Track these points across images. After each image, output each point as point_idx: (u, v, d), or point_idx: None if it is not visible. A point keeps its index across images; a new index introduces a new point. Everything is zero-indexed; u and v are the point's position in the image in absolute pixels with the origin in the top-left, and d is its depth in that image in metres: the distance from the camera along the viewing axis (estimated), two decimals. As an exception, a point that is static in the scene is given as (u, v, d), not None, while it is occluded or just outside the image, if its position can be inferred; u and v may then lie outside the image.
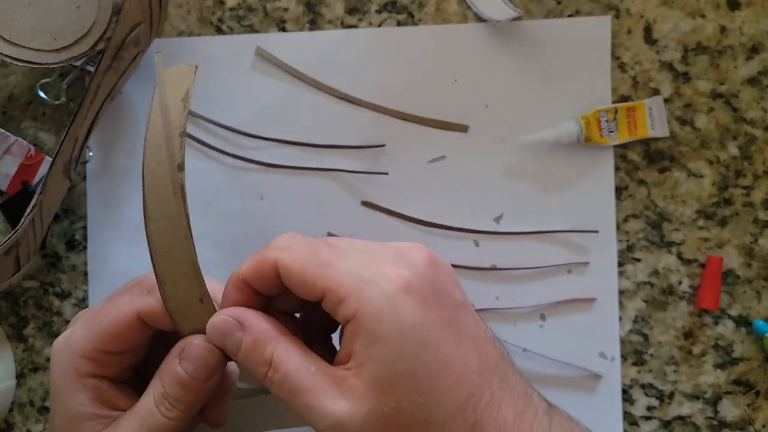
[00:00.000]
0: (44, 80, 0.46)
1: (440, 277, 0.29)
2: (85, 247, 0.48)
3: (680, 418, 0.45)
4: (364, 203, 0.46)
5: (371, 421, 0.26)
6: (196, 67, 0.32)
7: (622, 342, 0.45)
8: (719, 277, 0.44)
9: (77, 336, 0.32)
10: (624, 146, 0.45)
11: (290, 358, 0.28)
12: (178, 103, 0.31)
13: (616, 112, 0.44)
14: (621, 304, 0.45)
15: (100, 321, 0.32)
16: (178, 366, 0.30)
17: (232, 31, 0.47)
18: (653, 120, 0.44)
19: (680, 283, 0.45)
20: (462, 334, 0.28)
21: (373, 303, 0.27)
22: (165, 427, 0.30)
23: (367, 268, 0.28)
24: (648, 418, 0.45)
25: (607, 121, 0.44)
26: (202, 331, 0.30)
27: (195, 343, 0.30)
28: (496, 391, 0.28)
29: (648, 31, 0.45)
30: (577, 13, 0.45)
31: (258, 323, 0.29)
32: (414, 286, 0.27)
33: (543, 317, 0.45)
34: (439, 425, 0.27)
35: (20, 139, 0.47)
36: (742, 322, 0.45)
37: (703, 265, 0.45)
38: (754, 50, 0.44)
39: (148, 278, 0.32)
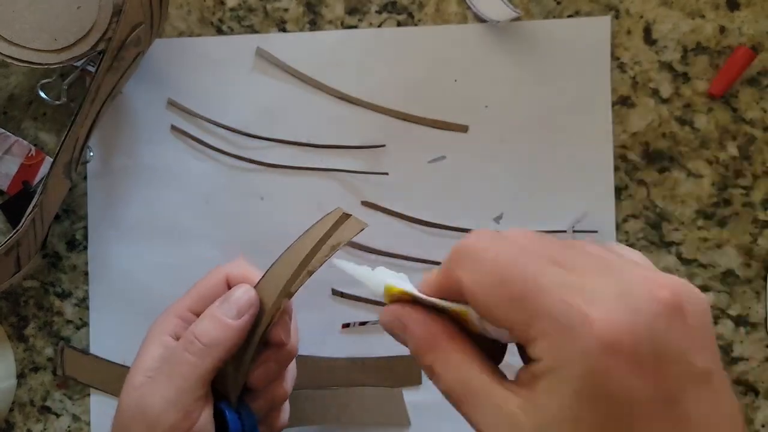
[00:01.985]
0: (45, 80, 0.46)
1: (676, 333, 0.20)
2: (85, 247, 0.48)
3: (680, 417, 0.45)
4: (364, 203, 0.46)
5: None
6: (363, 229, 0.37)
7: (622, 342, 0.45)
8: (738, 69, 0.43)
9: (178, 301, 0.38)
10: (624, 146, 0.45)
11: (454, 367, 0.24)
12: (327, 248, 0.36)
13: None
14: (621, 304, 0.45)
15: (196, 286, 0.39)
16: (215, 307, 0.36)
17: (232, 31, 0.47)
18: None
19: (680, 283, 0.45)
20: (680, 420, 0.20)
21: (567, 360, 0.20)
22: (188, 366, 0.34)
23: (572, 302, 0.20)
24: (647, 418, 0.45)
25: None
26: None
27: (235, 287, 0.37)
28: None
29: (647, 31, 0.45)
30: (577, 13, 0.45)
31: (419, 329, 0.25)
32: (626, 343, 0.20)
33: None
34: None
35: (21, 140, 0.47)
36: (742, 322, 0.45)
37: (702, 265, 0.45)
38: (753, 50, 0.44)
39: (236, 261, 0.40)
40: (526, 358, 0.22)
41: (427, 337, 0.25)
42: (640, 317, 0.20)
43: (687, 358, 0.20)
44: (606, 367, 0.20)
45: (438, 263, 0.46)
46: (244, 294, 0.36)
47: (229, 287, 0.37)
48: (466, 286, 0.23)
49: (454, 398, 0.23)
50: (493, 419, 0.22)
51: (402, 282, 0.27)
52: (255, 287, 0.37)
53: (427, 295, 0.25)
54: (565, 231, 0.45)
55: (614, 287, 0.21)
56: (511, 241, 0.23)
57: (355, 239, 0.47)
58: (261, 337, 0.36)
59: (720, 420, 0.20)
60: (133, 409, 0.34)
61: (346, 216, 0.36)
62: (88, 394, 0.48)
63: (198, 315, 0.37)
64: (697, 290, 0.21)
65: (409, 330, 0.25)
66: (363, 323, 0.46)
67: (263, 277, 0.37)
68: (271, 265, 0.37)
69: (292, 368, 0.41)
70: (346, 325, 0.46)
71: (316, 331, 0.46)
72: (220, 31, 0.47)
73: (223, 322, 0.35)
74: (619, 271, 0.21)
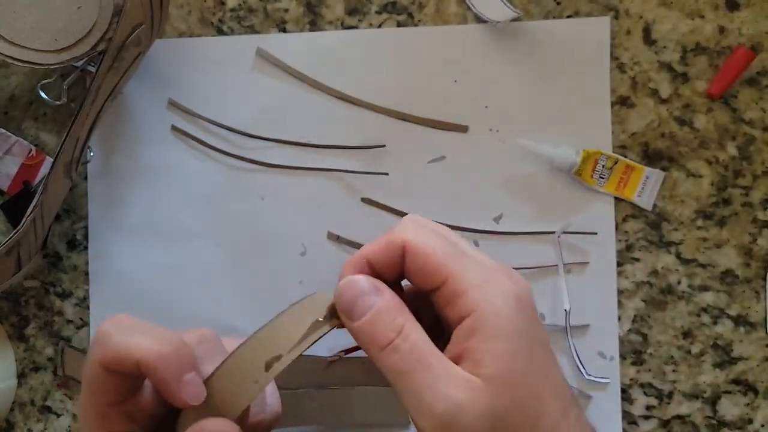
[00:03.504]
0: (45, 81, 0.46)
1: (535, 305, 0.30)
2: (86, 247, 0.48)
3: (679, 417, 0.45)
4: (364, 200, 0.46)
5: (485, 415, 0.26)
6: (332, 328, 0.29)
7: (621, 341, 0.45)
8: (738, 69, 0.43)
9: (81, 401, 0.28)
10: (623, 146, 0.45)
11: (419, 331, 0.28)
12: (304, 343, 0.28)
13: (616, 162, 0.44)
14: (620, 304, 0.45)
15: (83, 384, 0.28)
16: None
17: (232, 31, 0.47)
18: (644, 189, 0.45)
19: (679, 282, 0.45)
20: (553, 358, 0.29)
21: (495, 302, 0.27)
22: None
23: (487, 271, 0.28)
24: (647, 418, 0.45)
25: (603, 167, 0.44)
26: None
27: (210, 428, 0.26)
28: (575, 422, 0.28)
29: (647, 31, 0.45)
30: (577, 13, 0.45)
31: (391, 292, 0.29)
32: (524, 300, 0.28)
33: (543, 317, 0.45)
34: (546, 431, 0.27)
35: (21, 140, 0.47)
36: (741, 321, 0.45)
37: (702, 265, 0.45)
38: (752, 51, 0.44)
39: (104, 324, 0.28)
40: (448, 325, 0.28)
41: (400, 300, 0.28)
42: (525, 288, 0.29)
43: (540, 322, 0.30)
44: (519, 309, 0.28)
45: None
46: None
47: (114, 371, 0.27)
48: (411, 243, 0.28)
49: (419, 359, 0.27)
50: (443, 385, 0.26)
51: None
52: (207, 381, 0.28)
53: (368, 256, 0.29)
54: (564, 232, 0.45)
55: (500, 267, 0.29)
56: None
57: (355, 239, 0.47)
58: None
59: (558, 366, 0.30)
60: None
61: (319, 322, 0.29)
62: (89, 394, 0.48)
63: (108, 406, 0.28)
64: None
65: (384, 290, 0.29)
66: None
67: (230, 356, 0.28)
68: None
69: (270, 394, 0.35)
70: (342, 325, 0.46)
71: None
72: (220, 32, 0.47)
73: None
74: (496, 262, 0.30)
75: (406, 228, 0.29)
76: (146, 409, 0.28)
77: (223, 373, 0.28)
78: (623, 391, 0.45)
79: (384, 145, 0.46)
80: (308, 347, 0.28)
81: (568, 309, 0.44)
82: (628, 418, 0.45)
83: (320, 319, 0.29)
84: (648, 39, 0.45)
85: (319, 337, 0.28)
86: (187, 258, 0.47)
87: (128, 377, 0.27)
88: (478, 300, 0.27)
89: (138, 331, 0.27)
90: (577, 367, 0.44)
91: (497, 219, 0.46)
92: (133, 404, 0.28)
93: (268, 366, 0.27)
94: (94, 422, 0.28)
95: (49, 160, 0.48)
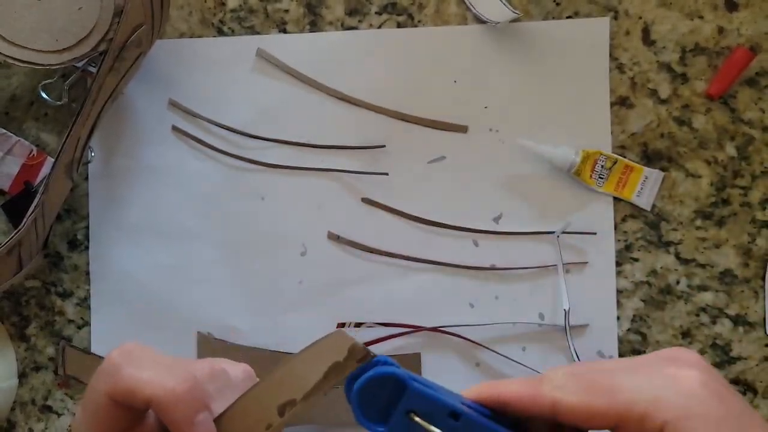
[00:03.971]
0: (46, 81, 0.47)
1: (716, 371, 0.28)
2: (87, 247, 0.48)
3: (678, 416, 0.45)
4: (364, 200, 0.47)
5: None
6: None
7: (621, 341, 0.45)
8: (737, 69, 0.44)
9: (81, 425, 0.27)
10: (623, 146, 0.45)
11: None
12: (321, 388, 0.26)
13: (615, 162, 0.44)
14: (619, 304, 0.45)
15: (86, 410, 0.27)
16: None
17: (233, 32, 0.47)
18: (643, 189, 0.45)
19: (678, 282, 0.45)
20: (758, 420, 0.27)
21: (679, 405, 0.25)
22: None
23: (651, 377, 0.26)
24: (646, 417, 0.45)
25: (602, 167, 0.44)
26: None
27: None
28: None
29: (646, 32, 0.45)
30: (576, 14, 0.46)
31: None
32: (708, 380, 0.26)
33: (542, 317, 0.46)
34: None
35: (22, 140, 0.47)
36: (740, 321, 0.45)
37: (701, 265, 0.45)
38: (751, 51, 0.45)
39: (113, 353, 0.27)
40: None
41: None
42: (700, 365, 0.27)
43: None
44: (707, 398, 0.25)
45: (438, 263, 0.46)
46: None
47: (121, 403, 0.26)
48: (563, 403, 0.26)
49: None
50: None
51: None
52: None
53: (504, 400, 0.27)
54: (564, 232, 0.45)
55: (660, 359, 0.27)
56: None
57: (355, 238, 0.47)
58: None
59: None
60: None
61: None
62: (90, 394, 0.48)
63: None
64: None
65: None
66: (358, 324, 0.46)
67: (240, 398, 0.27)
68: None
69: None
70: (341, 325, 0.46)
71: (311, 330, 0.46)
72: (221, 32, 0.47)
73: None
74: (651, 355, 0.28)
75: (551, 386, 0.27)
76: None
77: (235, 414, 0.26)
78: (622, 390, 0.45)
79: (384, 145, 0.46)
80: (327, 391, 0.26)
81: (567, 309, 0.44)
82: (628, 418, 0.45)
83: (340, 360, 0.26)
84: (647, 39, 0.45)
85: (339, 380, 0.26)
86: (188, 258, 0.47)
87: (135, 410, 0.26)
88: (663, 414, 0.25)
89: (149, 364, 0.26)
90: (577, 366, 0.44)
91: (497, 219, 0.46)
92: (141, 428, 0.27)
93: (281, 410, 0.25)
94: None
95: (50, 160, 0.48)
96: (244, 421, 0.26)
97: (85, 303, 0.48)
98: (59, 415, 0.49)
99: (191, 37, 0.48)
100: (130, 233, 0.48)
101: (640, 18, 0.45)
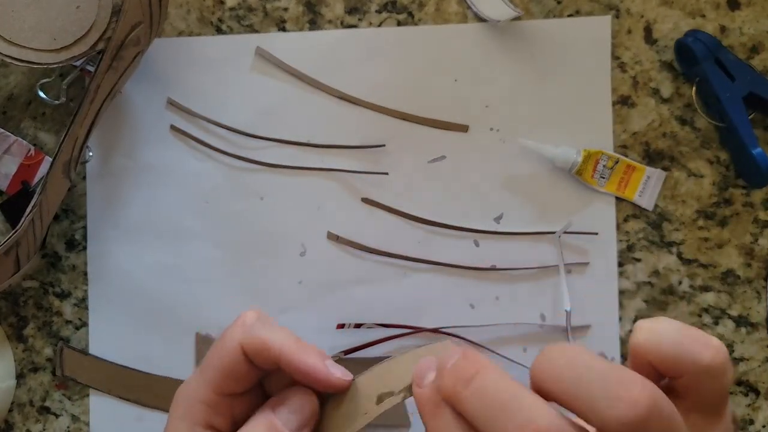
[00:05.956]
0: (44, 80, 0.46)
1: None
2: (84, 247, 0.48)
3: (680, 418, 0.45)
4: (364, 200, 0.46)
5: None
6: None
7: (623, 342, 0.45)
8: None
9: (195, 381, 0.29)
10: (624, 146, 0.45)
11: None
12: (395, 399, 0.27)
13: (617, 162, 0.44)
14: (621, 304, 0.45)
15: (211, 363, 0.29)
16: (271, 413, 0.28)
17: (232, 30, 0.47)
18: (645, 189, 0.44)
19: (680, 283, 0.45)
20: None
21: None
22: None
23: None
24: (648, 418, 0.45)
25: (603, 166, 0.44)
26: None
27: (294, 389, 0.28)
28: None
29: (648, 31, 0.45)
30: (577, 13, 0.45)
31: None
32: None
33: (543, 317, 0.45)
34: None
35: (20, 139, 0.47)
36: (743, 322, 0.45)
37: (703, 265, 0.45)
38: (754, 50, 0.44)
39: (248, 313, 0.30)
40: None
41: None
42: None
43: None
44: None
45: (438, 263, 0.46)
46: (307, 403, 0.29)
47: (249, 358, 0.29)
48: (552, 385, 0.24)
49: None
50: None
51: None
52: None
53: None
54: (565, 232, 0.45)
55: None
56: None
57: (355, 238, 0.47)
58: None
59: None
60: None
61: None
62: (88, 395, 0.48)
63: (222, 395, 0.30)
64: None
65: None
66: (358, 325, 0.46)
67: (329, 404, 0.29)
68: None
69: None
70: (341, 326, 0.46)
71: (311, 330, 0.46)
72: (219, 31, 0.47)
73: None
74: None
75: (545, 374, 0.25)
76: (241, 418, 0.29)
77: (337, 399, 0.28)
78: (624, 391, 0.45)
79: (384, 145, 0.46)
80: None
81: (569, 309, 0.44)
82: (629, 419, 0.45)
83: None
84: (649, 38, 0.45)
85: None
86: (187, 258, 0.47)
87: (255, 372, 0.28)
88: None
89: (279, 329, 0.28)
90: (578, 367, 0.44)
91: (498, 219, 0.46)
92: (239, 405, 0.29)
93: (379, 400, 0.27)
94: (196, 407, 0.28)
95: (47, 159, 0.47)
96: (345, 405, 0.28)
97: (83, 303, 0.48)
98: (57, 416, 0.48)
99: (190, 36, 0.47)
100: (128, 233, 0.48)
101: (642, 17, 0.45)
